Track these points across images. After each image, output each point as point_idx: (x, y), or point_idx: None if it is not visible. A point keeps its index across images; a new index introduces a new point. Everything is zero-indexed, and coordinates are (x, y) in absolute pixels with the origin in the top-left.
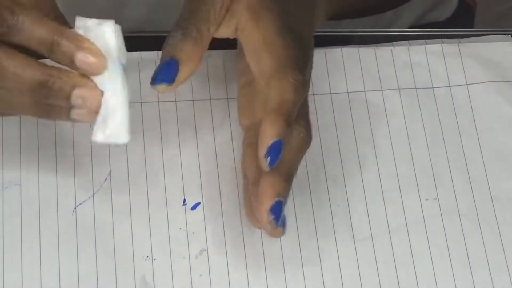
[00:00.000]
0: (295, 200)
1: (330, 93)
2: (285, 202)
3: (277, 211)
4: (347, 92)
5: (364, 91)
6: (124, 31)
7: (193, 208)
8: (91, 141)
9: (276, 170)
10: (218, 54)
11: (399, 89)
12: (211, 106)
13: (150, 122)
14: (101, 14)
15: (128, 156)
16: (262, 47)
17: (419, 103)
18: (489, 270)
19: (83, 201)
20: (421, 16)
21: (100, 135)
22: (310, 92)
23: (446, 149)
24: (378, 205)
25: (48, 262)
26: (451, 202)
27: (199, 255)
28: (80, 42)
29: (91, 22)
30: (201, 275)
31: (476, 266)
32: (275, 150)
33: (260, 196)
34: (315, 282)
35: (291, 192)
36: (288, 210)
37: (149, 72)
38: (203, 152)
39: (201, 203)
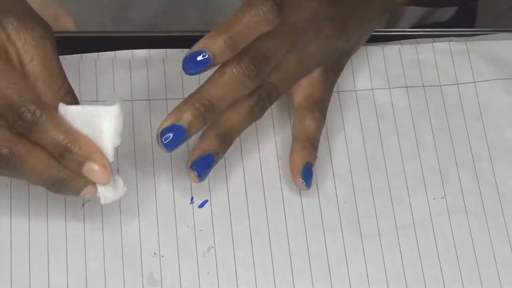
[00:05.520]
0: (303, 198)
1: (338, 91)
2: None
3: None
4: (355, 90)
5: (372, 89)
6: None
7: (201, 206)
8: None
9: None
10: None
11: (406, 87)
12: None
13: (157, 120)
14: (106, 15)
15: (136, 153)
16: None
17: (426, 101)
18: (497, 268)
19: None
20: (422, 17)
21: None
22: None
23: (453, 147)
24: (386, 203)
25: (56, 258)
26: (459, 200)
27: (207, 252)
28: (91, 152)
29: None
30: (208, 273)
31: (483, 263)
32: (307, 173)
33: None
34: (322, 279)
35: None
36: (295, 207)
37: (156, 70)
38: None
39: (209, 201)
